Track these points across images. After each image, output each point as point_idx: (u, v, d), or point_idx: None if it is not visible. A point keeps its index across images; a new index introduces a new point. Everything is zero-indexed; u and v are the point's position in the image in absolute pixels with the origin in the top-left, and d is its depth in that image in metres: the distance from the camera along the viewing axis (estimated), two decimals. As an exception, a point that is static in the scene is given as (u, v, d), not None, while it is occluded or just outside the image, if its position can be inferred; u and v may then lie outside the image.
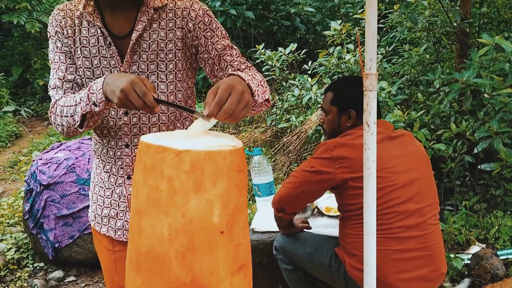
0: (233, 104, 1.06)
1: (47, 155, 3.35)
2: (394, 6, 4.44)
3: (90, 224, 3.12)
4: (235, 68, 1.41)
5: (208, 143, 1.07)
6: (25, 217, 3.26)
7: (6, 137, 6.97)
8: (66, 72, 1.43)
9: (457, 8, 3.65)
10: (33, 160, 3.41)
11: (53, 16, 1.44)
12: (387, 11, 5.06)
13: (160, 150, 1.03)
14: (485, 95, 2.80)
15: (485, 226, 2.97)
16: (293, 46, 5.29)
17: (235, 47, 1.47)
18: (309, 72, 5.08)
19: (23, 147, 6.68)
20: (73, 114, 1.31)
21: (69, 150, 3.35)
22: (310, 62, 5.08)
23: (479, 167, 2.99)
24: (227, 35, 1.48)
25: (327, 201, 2.63)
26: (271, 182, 2.76)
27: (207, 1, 7.82)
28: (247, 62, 1.46)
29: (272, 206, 2.05)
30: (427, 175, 1.91)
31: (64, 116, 1.35)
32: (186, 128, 1.52)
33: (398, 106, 3.83)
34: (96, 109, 1.25)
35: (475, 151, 2.84)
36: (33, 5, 8.22)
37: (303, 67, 5.33)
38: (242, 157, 1.10)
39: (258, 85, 1.28)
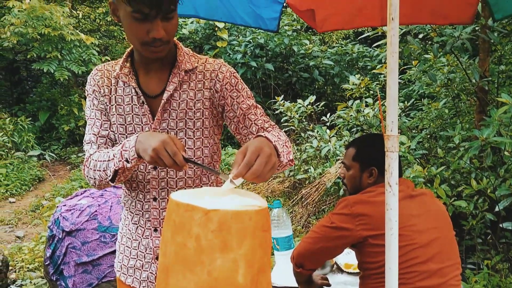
0: (261, 166, 1.12)
1: (71, 202, 3.41)
2: (413, 62, 4.55)
3: (108, 272, 3.14)
4: (259, 126, 1.48)
5: (235, 202, 1.11)
6: (46, 263, 3.29)
7: (29, 181, 7.12)
8: (100, 128, 1.52)
9: (476, 65, 3.72)
10: (57, 206, 3.48)
11: (91, 76, 1.54)
12: (405, 67, 5.16)
13: (189, 209, 1.07)
14: (506, 152, 2.81)
15: (507, 286, 2.90)
16: (311, 98, 5.40)
17: (259, 107, 1.55)
18: (328, 124, 5.16)
19: (45, 191, 6.81)
20: (105, 169, 1.38)
21: (92, 197, 3.42)
22: (328, 114, 5.17)
23: (500, 225, 2.96)
24: (252, 95, 1.56)
25: (347, 257, 2.61)
26: (290, 236, 2.76)
27: (228, 54, 8.08)
28: (270, 120, 1.52)
29: (291, 261, 2.04)
30: (448, 235, 1.90)
31: (97, 170, 1.41)
32: (211, 182, 1.58)
33: (417, 160, 3.85)
34: (128, 165, 1.31)
35: (497, 209, 2.82)
36: (63, 54, 8.60)
37: (321, 118, 5.42)
38: (267, 217, 1.13)
39: (283, 145, 1.33)
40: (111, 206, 3.33)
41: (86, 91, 1.56)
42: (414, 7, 2.20)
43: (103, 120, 1.52)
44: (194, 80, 1.49)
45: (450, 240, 1.89)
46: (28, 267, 3.96)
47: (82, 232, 3.18)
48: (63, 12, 8.73)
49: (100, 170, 1.40)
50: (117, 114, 1.50)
